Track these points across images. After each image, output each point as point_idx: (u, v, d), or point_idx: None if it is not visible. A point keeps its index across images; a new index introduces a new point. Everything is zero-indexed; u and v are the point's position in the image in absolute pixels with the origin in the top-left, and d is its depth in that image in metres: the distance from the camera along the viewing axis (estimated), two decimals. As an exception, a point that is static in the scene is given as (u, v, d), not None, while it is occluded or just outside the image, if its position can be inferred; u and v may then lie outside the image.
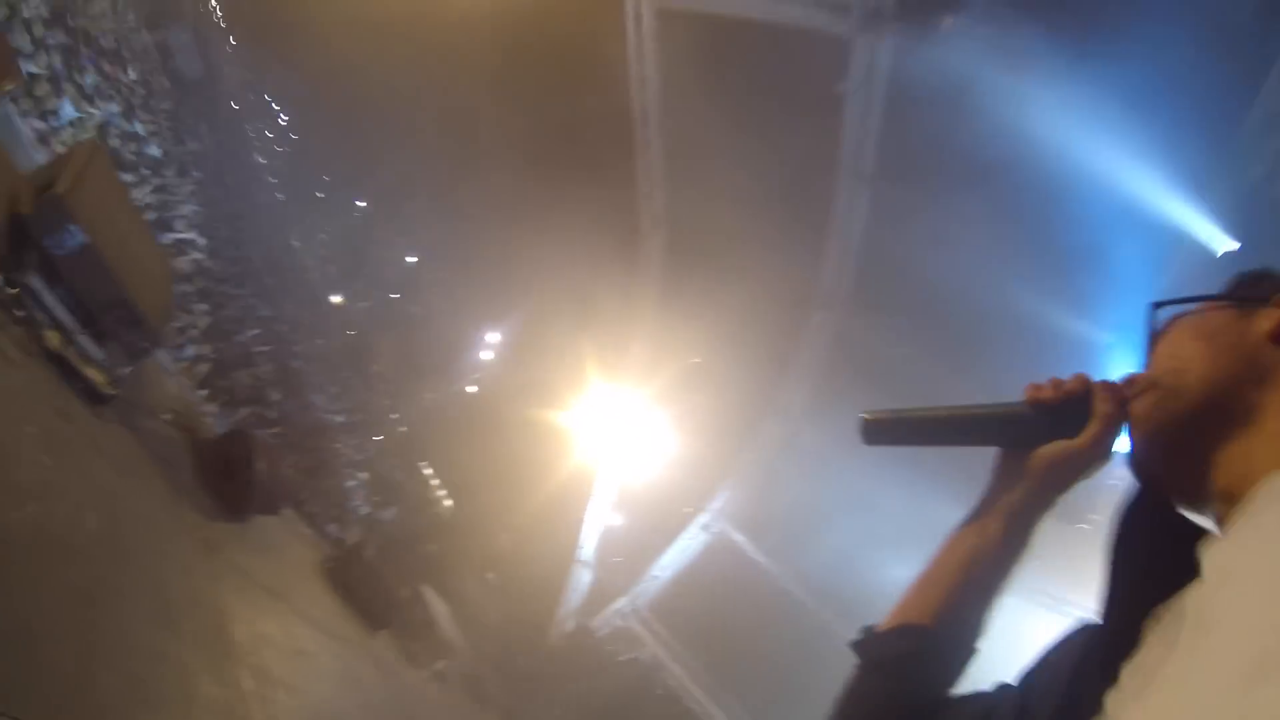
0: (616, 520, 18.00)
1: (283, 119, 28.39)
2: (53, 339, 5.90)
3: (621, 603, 17.68)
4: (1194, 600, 0.99)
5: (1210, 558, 1.00)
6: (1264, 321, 1.19)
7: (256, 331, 14.08)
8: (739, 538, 16.68)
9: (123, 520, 5.41)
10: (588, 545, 17.94)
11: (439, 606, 14.26)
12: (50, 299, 6.08)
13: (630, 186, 14.86)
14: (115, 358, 6.58)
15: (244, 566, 6.97)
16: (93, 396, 6.09)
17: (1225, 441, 1.14)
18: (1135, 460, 1.27)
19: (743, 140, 12.86)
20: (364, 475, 15.99)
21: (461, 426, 20.65)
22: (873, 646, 1.39)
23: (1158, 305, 1.34)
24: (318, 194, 24.90)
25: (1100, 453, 1.33)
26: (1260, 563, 0.92)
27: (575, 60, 14.45)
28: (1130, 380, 1.33)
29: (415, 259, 25.08)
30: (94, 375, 6.11)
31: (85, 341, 6.27)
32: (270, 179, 24.67)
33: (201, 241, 13.69)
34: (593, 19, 13.98)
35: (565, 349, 17.74)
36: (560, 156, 15.59)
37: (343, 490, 14.45)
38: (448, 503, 18.91)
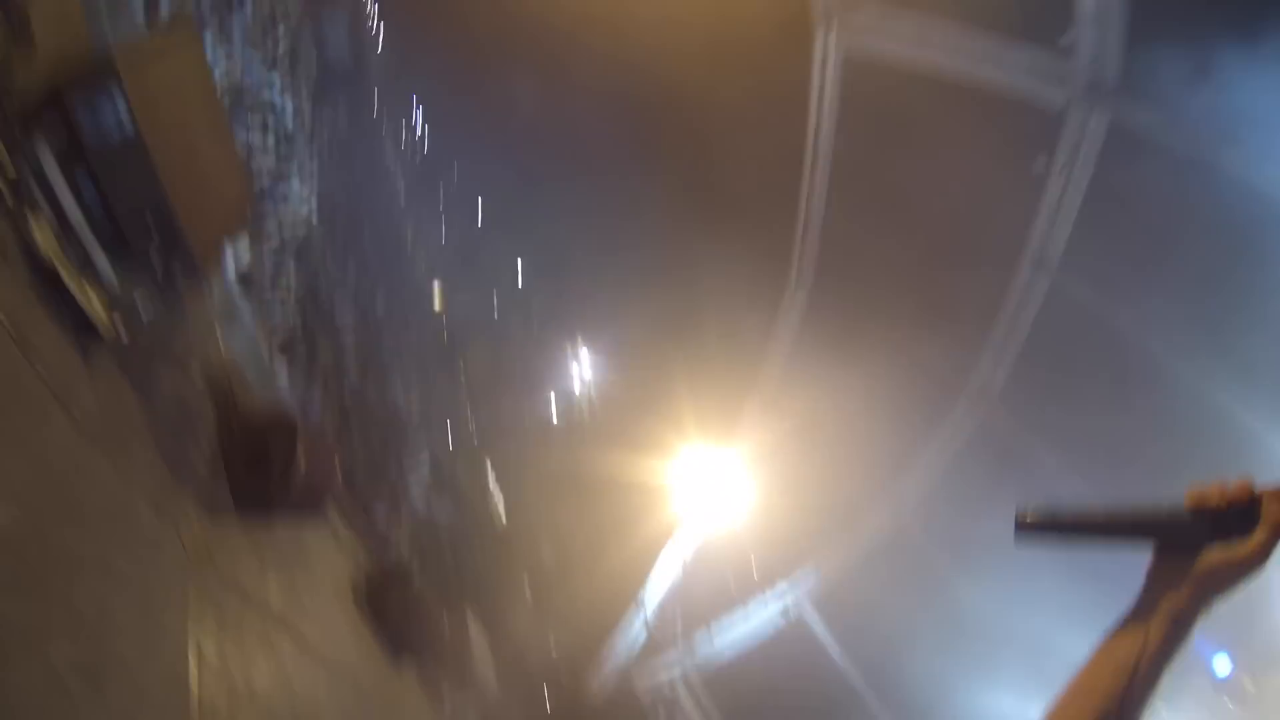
0: (688, 577, 15.83)
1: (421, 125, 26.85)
2: (44, 238, 3.89)
3: (673, 667, 15.36)
4: None
5: None
6: None
7: (350, 308, 12.20)
8: (816, 623, 14.37)
9: (66, 516, 3.36)
10: (651, 597, 15.70)
11: (478, 635, 12.17)
12: (62, 187, 4.09)
13: (785, 234, 12.76)
14: (136, 285, 4.56)
15: (246, 586, 4.86)
16: (82, 329, 4.05)
17: None
18: None
19: (913, 206, 11.32)
20: (427, 473, 13.99)
21: (539, 454, 18.79)
22: None
23: None
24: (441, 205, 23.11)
25: (1265, 560, 1.26)
26: None
27: (754, 91, 12.38)
28: None
29: (524, 268, 23.02)
30: (92, 299, 4.08)
31: (96, 252, 4.25)
32: (400, 180, 23.05)
33: (313, 205, 11.85)
34: (779, 53, 11.86)
35: (672, 392, 15.47)
36: (716, 192, 13.51)
37: (403, 484, 12.46)
38: (504, 518, 17.06)
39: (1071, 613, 10.00)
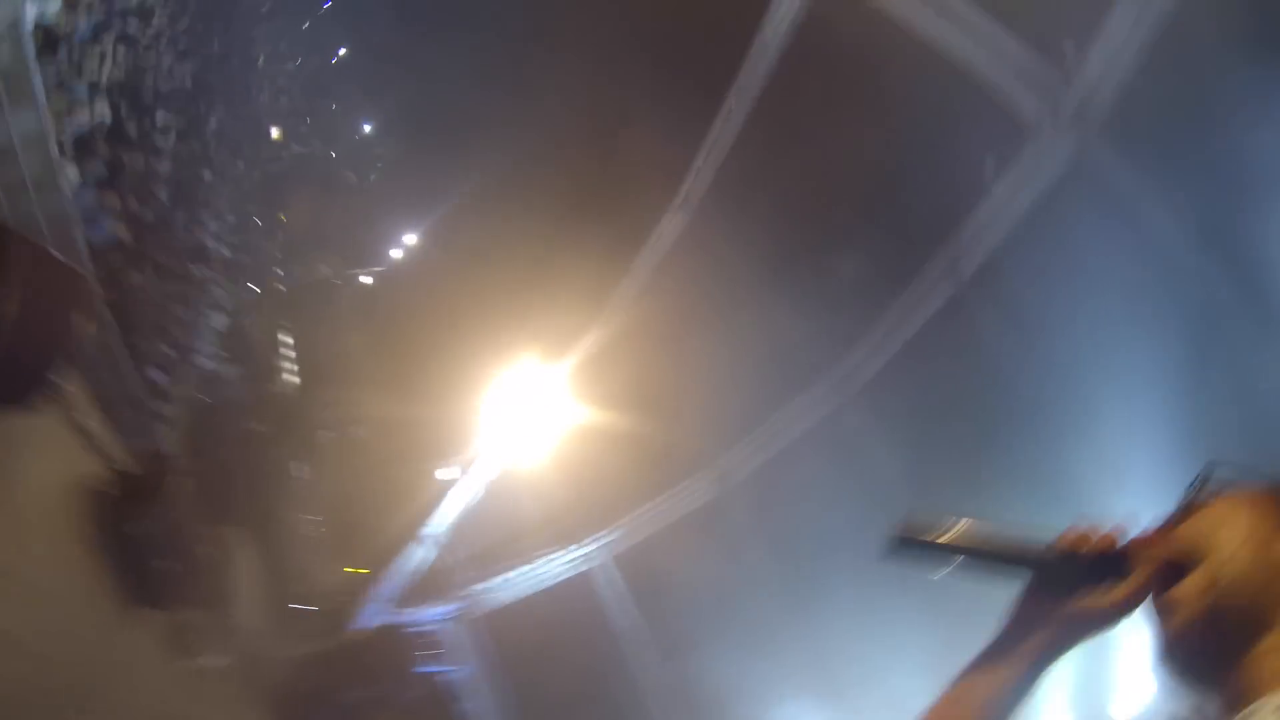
0: (487, 504, 14.34)
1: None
2: None
3: (450, 605, 14.21)
4: None
5: None
6: None
7: (176, 116, 9.94)
8: (615, 585, 13.76)
9: None
10: (441, 521, 14.22)
11: (246, 560, 10.46)
12: None
13: (688, 147, 11.80)
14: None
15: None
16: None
17: (1254, 642, 1.16)
18: (1171, 637, 1.26)
19: (838, 161, 10.42)
20: (219, 333, 12.03)
21: (346, 316, 17.34)
22: None
23: (1214, 465, 1.35)
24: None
25: (1129, 613, 1.31)
26: None
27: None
28: (1166, 540, 1.32)
29: (370, 127, 20.61)
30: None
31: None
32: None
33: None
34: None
35: (509, 292, 13.88)
36: (621, 83, 12.09)
37: (189, 345, 10.52)
38: (295, 380, 15.68)
39: (877, 616, 10.03)
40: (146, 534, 6.77)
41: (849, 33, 9.55)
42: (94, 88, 7.73)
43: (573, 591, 13.92)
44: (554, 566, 14.12)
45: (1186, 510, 1.32)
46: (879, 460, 11.18)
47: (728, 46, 10.69)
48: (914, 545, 1.37)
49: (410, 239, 19.24)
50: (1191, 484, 1.34)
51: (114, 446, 6.90)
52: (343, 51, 21.05)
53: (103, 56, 7.79)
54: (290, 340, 16.01)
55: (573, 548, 14.08)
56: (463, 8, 15.80)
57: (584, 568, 14.04)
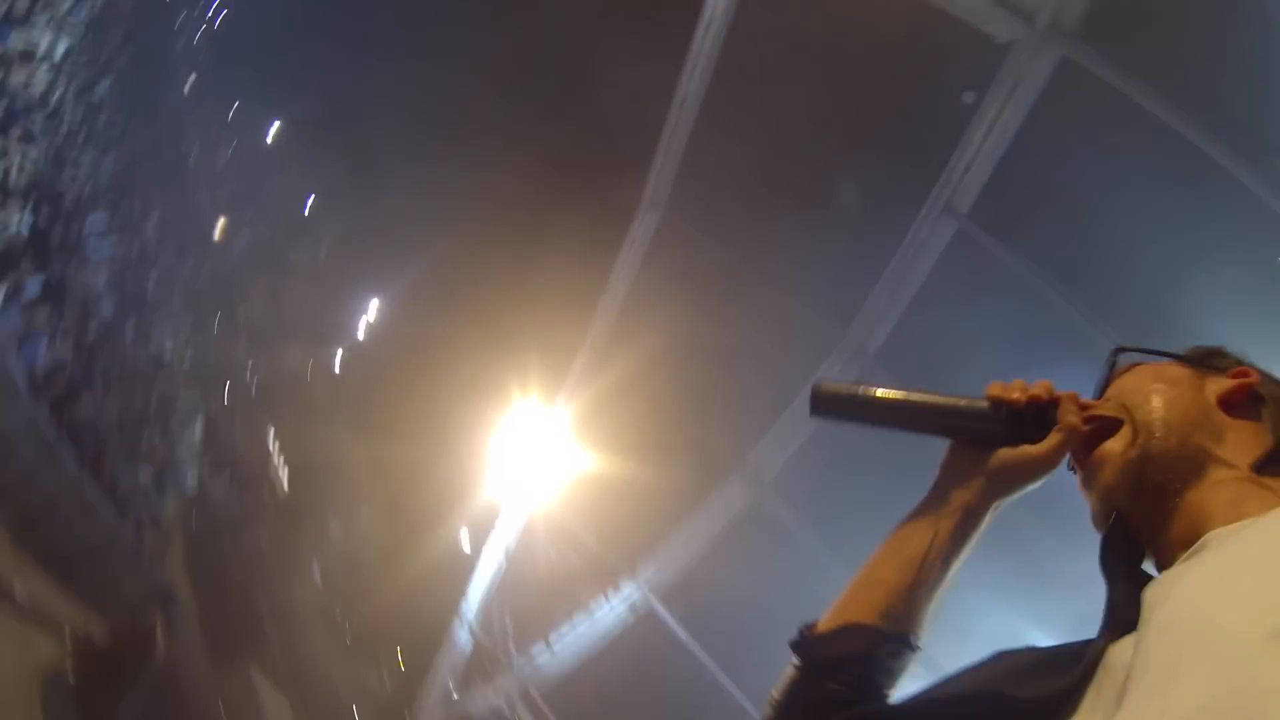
0: (514, 572, 13.46)
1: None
2: None
3: (509, 684, 13.10)
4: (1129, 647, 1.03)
5: (1149, 604, 1.05)
6: (1215, 386, 1.31)
7: (105, 212, 9.09)
8: (665, 616, 12.58)
9: None
10: (474, 600, 13.38)
11: (269, 691, 9.57)
12: None
13: (642, 153, 10.90)
14: None
15: None
16: None
17: (1184, 489, 1.22)
18: (1104, 490, 1.29)
19: (804, 130, 9.82)
20: (198, 430, 11.26)
21: (325, 421, 16.06)
22: (816, 646, 1.32)
23: (1121, 350, 1.44)
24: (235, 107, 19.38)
25: (1056, 463, 1.33)
26: (1183, 610, 0.98)
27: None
28: (1097, 403, 1.37)
29: (314, 198, 19.76)
30: None
31: None
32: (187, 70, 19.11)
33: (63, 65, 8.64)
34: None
35: (487, 343, 13.11)
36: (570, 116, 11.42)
37: (170, 445, 9.68)
38: (287, 478, 14.87)
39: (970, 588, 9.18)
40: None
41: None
42: (3, 192, 6.86)
43: (625, 639, 12.78)
44: (598, 619, 12.93)
45: (1111, 377, 1.39)
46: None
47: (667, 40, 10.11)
48: (838, 400, 1.37)
49: (374, 306, 18.00)
50: (1105, 365, 1.40)
51: (85, 617, 5.87)
52: (275, 126, 20.39)
53: (4, 153, 6.92)
54: (274, 437, 14.98)
55: (616, 583, 12.88)
56: (387, 63, 15.19)
57: (628, 612, 12.86)
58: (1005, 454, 1.30)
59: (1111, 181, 8.19)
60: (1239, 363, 1.35)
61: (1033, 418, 1.30)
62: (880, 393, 1.36)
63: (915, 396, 1.36)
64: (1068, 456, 1.33)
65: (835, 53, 9.44)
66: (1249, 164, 7.03)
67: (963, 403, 1.34)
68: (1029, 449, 1.29)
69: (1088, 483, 1.31)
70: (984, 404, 1.33)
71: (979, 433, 1.33)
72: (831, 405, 1.36)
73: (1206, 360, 1.36)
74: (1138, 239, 7.78)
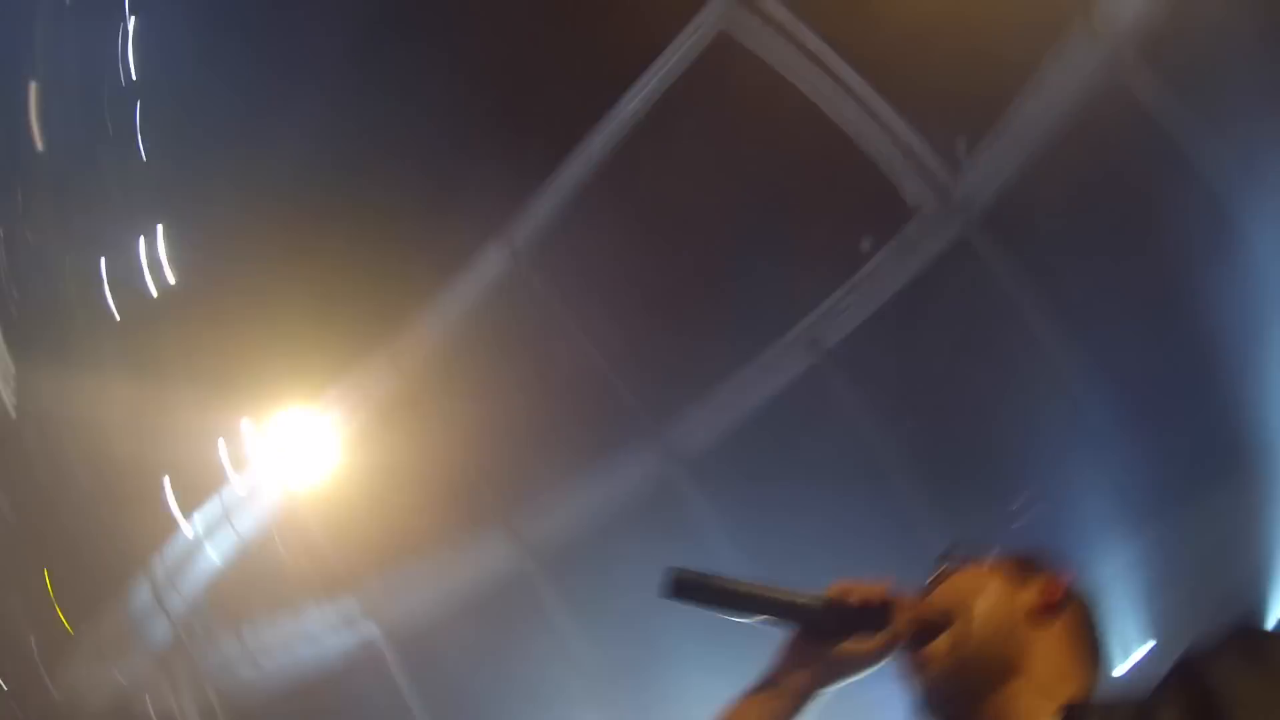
0: (233, 558, 12.17)
1: None
2: None
3: (186, 675, 11.91)
4: None
5: None
6: (1025, 597, 1.43)
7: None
8: (391, 658, 11.85)
9: None
10: (172, 573, 11.99)
11: None
12: None
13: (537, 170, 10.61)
14: None
15: None
16: None
17: (989, 694, 1.35)
18: (924, 688, 1.42)
19: (697, 212, 9.41)
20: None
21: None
22: None
23: (950, 552, 1.54)
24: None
25: (882, 660, 1.47)
26: None
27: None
28: (927, 604, 1.48)
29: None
30: None
31: None
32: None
33: None
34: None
35: (278, 317, 12.05)
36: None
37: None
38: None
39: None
40: None
41: (734, 79, 9.07)
42: None
43: (344, 666, 11.92)
44: (317, 633, 11.98)
45: (939, 578, 1.49)
46: (709, 538, 10.38)
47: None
48: (689, 587, 1.47)
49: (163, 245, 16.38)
50: (940, 557, 1.52)
51: None
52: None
53: None
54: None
55: (338, 609, 11.91)
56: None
57: (354, 636, 12.06)
58: (840, 650, 1.44)
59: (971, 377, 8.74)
60: (1052, 572, 1.50)
61: (869, 617, 1.44)
62: (732, 583, 1.47)
63: (761, 591, 1.48)
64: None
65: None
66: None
67: (804, 603, 1.47)
68: (861, 647, 1.44)
69: (909, 675, 1.43)
70: (823, 605, 1.46)
71: (819, 628, 1.46)
72: (689, 590, 1.47)
73: (1023, 569, 1.48)
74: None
